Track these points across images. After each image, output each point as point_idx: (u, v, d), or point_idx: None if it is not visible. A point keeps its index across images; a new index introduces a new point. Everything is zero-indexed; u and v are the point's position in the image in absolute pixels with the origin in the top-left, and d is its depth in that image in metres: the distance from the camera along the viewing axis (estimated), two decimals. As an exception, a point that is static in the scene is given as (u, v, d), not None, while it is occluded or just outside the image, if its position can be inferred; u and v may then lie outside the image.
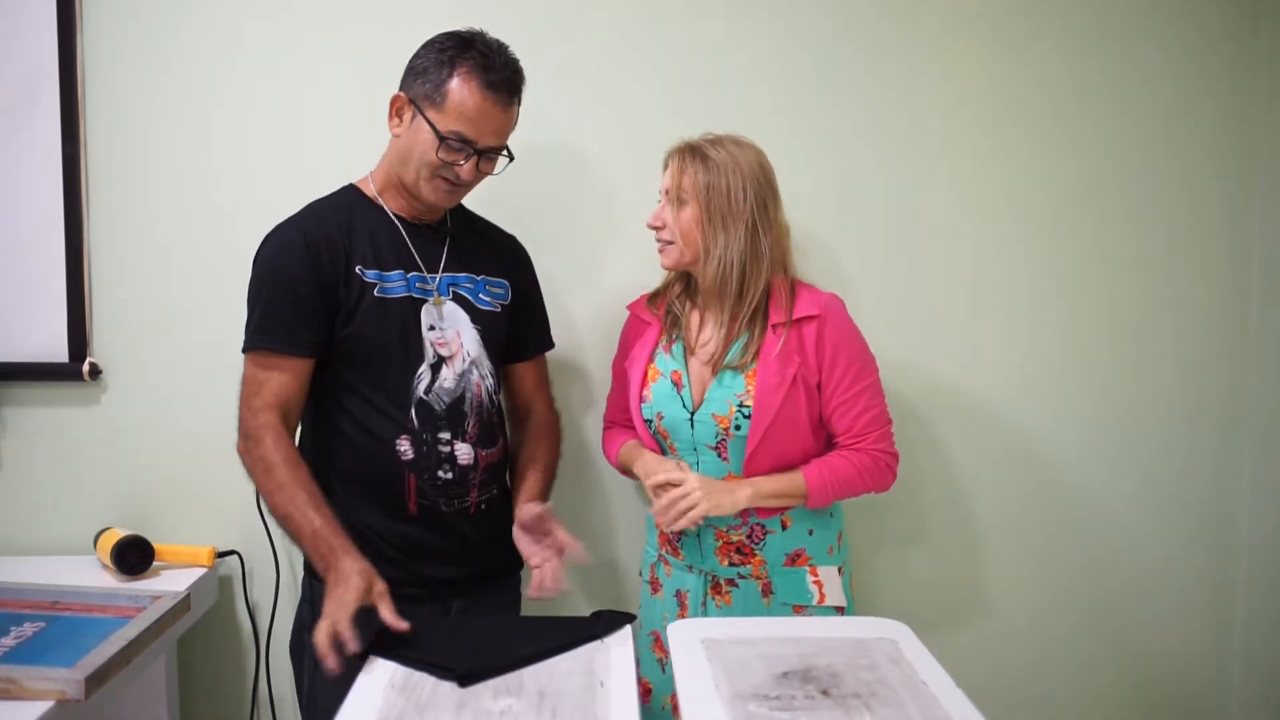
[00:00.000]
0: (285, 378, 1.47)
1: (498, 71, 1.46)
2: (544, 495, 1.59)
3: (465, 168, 1.48)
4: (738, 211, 1.51)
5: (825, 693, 1.13)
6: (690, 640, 1.29)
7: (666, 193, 1.56)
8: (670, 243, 1.56)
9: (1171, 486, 2.01)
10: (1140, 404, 1.99)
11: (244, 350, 1.50)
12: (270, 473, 1.43)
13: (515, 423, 1.73)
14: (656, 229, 1.57)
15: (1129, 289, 1.98)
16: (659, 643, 1.62)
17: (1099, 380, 1.99)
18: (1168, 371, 1.99)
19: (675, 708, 1.59)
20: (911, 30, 1.92)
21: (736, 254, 1.51)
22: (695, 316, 1.61)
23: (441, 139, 1.45)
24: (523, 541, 1.50)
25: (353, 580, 1.31)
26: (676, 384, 1.58)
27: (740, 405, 1.51)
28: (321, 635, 1.25)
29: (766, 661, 1.22)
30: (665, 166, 1.58)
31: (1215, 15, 1.94)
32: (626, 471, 1.69)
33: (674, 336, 1.61)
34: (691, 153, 1.53)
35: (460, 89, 1.44)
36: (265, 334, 1.47)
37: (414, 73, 1.48)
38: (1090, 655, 2.03)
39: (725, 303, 1.55)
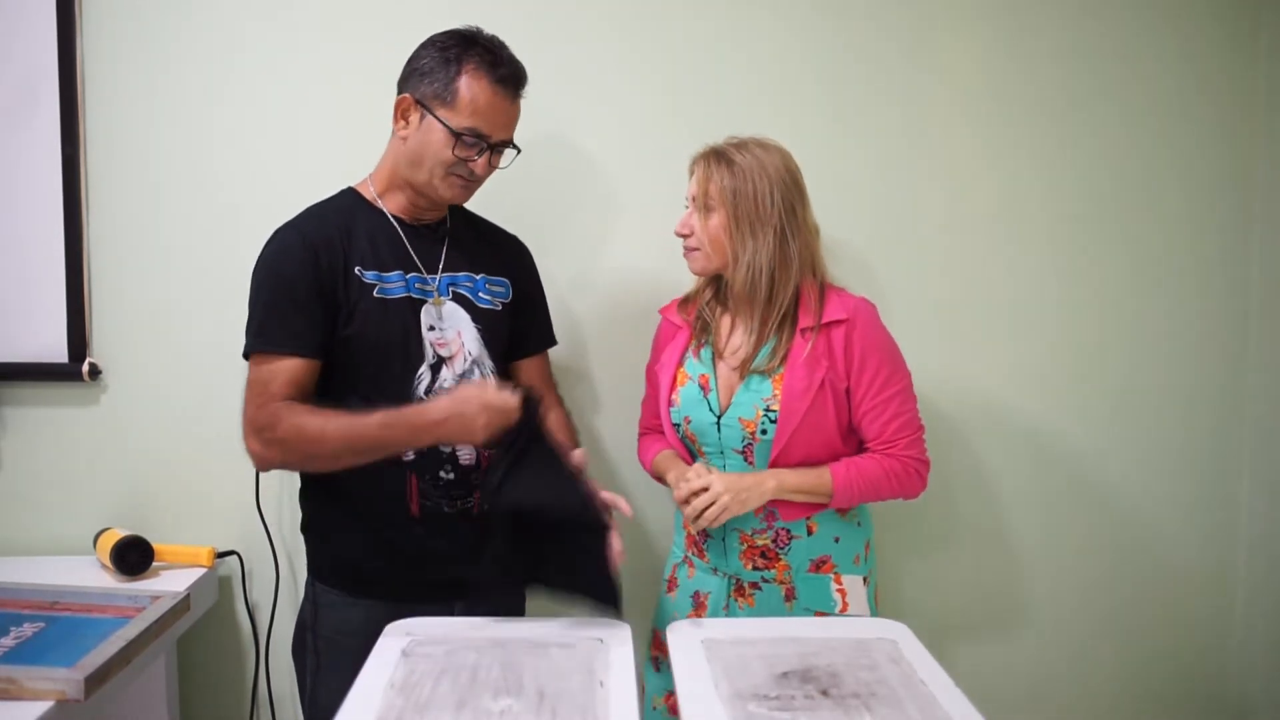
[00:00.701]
0: (292, 376, 1.45)
1: (505, 66, 1.48)
2: (572, 438, 1.61)
3: (479, 163, 1.49)
4: (765, 216, 1.50)
5: (825, 693, 1.13)
6: (690, 640, 1.29)
7: (693, 199, 1.55)
8: (697, 249, 1.55)
9: (1171, 486, 2.01)
10: (1142, 404, 1.99)
11: (247, 354, 1.48)
12: (305, 431, 1.41)
13: None
14: (684, 236, 1.56)
15: (1128, 290, 1.97)
16: (656, 640, 1.61)
17: (1103, 382, 1.99)
18: (1169, 372, 1.99)
19: (670, 709, 1.60)
20: (912, 30, 1.92)
21: (765, 259, 1.50)
22: (726, 321, 1.61)
23: (457, 136, 1.46)
24: None
25: (451, 398, 1.39)
26: (704, 388, 1.57)
27: (767, 409, 1.50)
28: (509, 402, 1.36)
29: (766, 661, 1.22)
30: (691, 173, 1.57)
31: (1215, 16, 1.94)
32: (661, 480, 1.68)
33: (703, 341, 1.61)
34: (717, 158, 1.52)
35: (471, 85, 1.46)
36: (267, 336, 1.46)
37: (418, 74, 1.48)
38: (1090, 656, 2.04)
39: (755, 308, 1.54)
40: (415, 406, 1.42)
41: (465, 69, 1.46)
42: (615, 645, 1.28)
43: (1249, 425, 2.00)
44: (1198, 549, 2.03)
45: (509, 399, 1.38)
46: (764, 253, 1.50)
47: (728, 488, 1.47)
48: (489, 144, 1.49)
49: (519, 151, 1.55)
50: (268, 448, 1.44)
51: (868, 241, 1.95)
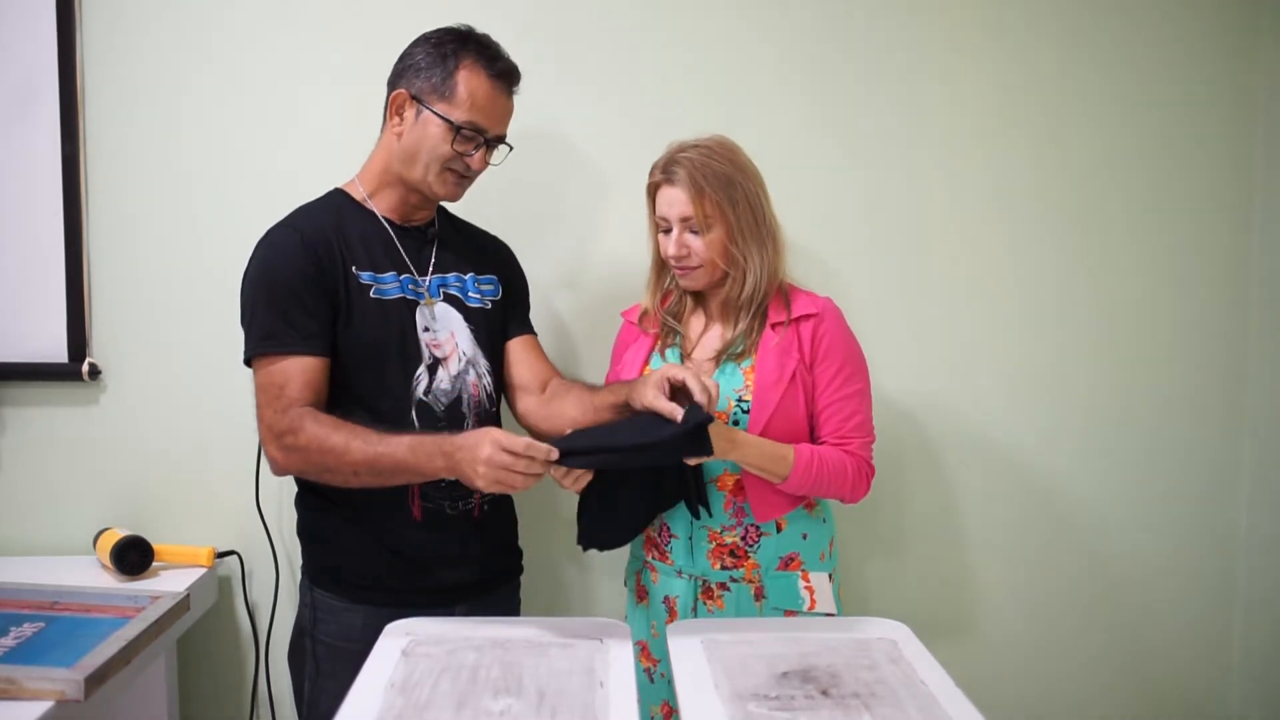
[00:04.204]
0: (306, 377, 1.42)
1: (502, 61, 1.50)
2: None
3: (476, 158, 1.50)
4: (761, 219, 1.50)
5: (825, 693, 1.13)
6: (690, 640, 1.29)
7: (683, 221, 1.50)
8: (699, 267, 1.52)
9: (1171, 487, 2.01)
10: (1140, 405, 1.99)
11: (252, 357, 1.45)
12: (327, 443, 1.37)
13: (537, 394, 1.63)
14: (680, 258, 1.52)
15: (1128, 291, 1.98)
16: (646, 652, 1.60)
17: (1097, 382, 1.99)
18: (1167, 373, 1.99)
19: (666, 717, 1.59)
20: (909, 30, 1.92)
21: (768, 263, 1.51)
22: (697, 324, 1.60)
23: (456, 130, 1.46)
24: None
25: (484, 444, 1.25)
26: None
27: (739, 399, 1.50)
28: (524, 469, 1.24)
29: (766, 661, 1.22)
30: (653, 191, 1.53)
31: (1215, 16, 1.94)
32: None
33: (670, 342, 1.60)
34: (698, 171, 1.47)
35: (469, 80, 1.46)
36: (275, 338, 1.43)
37: (413, 69, 1.49)
38: (1089, 657, 2.03)
39: (745, 312, 1.53)
40: (444, 434, 1.34)
41: (463, 64, 1.46)
42: (615, 645, 1.28)
43: (1249, 425, 2.00)
44: (1198, 553, 2.02)
45: (515, 465, 1.24)
46: (767, 256, 1.51)
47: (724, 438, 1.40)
48: (486, 139, 1.49)
49: (511, 149, 1.55)
50: (288, 455, 1.41)
51: (863, 242, 1.95)
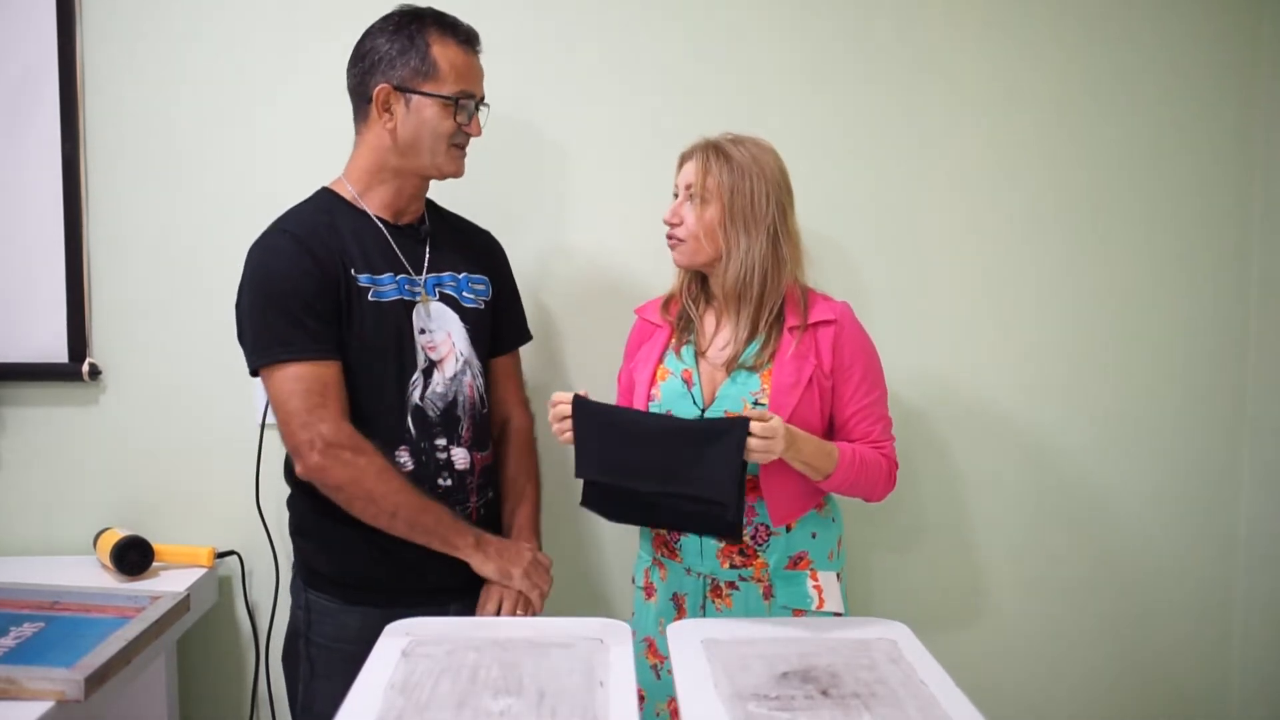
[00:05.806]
0: (337, 386, 1.44)
1: (463, 25, 1.52)
2: (536, 531, 1.64)
3: (473, 125, 1.52)
4: (760, 215, 1.50)
5: (825, 693, 1.13)
6: (690, 640, 1.29)
7: (687, 189, 1.53)
8: (685, 240, 1.54)
9: (1171, 487, 2.01)
10: (1139, 404, 1.99)
11: (273, 363, 1.43)
12: (386, 474, 1.44)
13: (492, 428, 1.70)
14: (672, 225, 1.55)
15: (1129, 290, 1.97)
16: (653, 649, 1.60)
17: (1098, 381, 1.98)
18: (1167, 372, 1.99)
19: (673, 714, 1.59)
20: (912, 29, 1.92)
21: (758, 258, 1.50)
22: (710, 319, 1.60)
23: (455, 102, 1.47)
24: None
25: (525, 552, 1.55)
26: (687, 382, 1.56)
27: (755, 403, 1.49)
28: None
29: (766, 661, 1.22)
30: (681, 163, 1.56)
31: (1217, 14, 1.94)
32: None
33: (685, 339, 1.60)
34: (715, 151, 1.51)
35: (444, 52, 1.48)
36: (294, 343, 1.42)
37: (385, 62, 1.48)
38: (1088, 656, 2.03)
39: (745, 307, 1.53)
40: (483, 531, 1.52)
41: (431, 39, 1.48)
42: (615, 645, 1.28)
43: (1249, 425, 2.00)
44: (1198, 553, 2.02)
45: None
46: (756, 251, 1.50)
47: (786, 435, 1.37)
48: (476, 103, 1.52)
49: (489, 108, 1.56)
50: (341, 467, 1.42)
51: (867, 241, 1.94)
